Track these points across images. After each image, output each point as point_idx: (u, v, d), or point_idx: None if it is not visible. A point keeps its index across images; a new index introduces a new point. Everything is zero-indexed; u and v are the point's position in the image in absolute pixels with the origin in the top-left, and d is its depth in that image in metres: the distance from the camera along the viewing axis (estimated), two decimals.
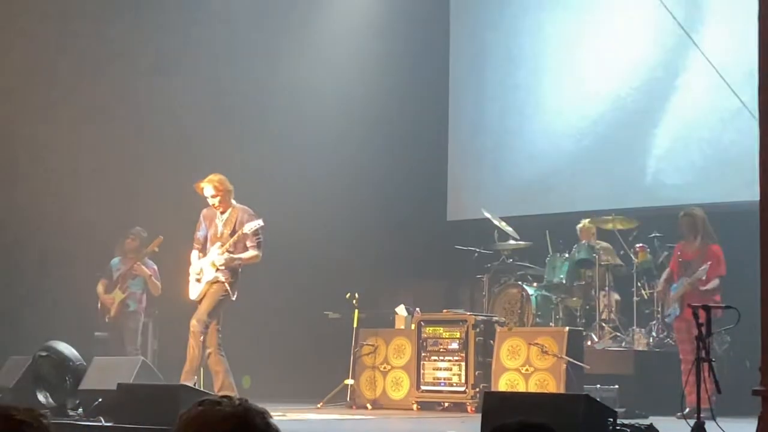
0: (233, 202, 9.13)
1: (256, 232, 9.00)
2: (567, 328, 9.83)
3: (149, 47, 12.22)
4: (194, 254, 9.18)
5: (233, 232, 9.02)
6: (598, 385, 9.76)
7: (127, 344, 11.01)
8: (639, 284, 10.72)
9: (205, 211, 9.25)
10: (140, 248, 11.26)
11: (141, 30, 12.27)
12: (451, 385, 10.06)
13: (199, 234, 9.21)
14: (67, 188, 11.64)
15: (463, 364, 9.98)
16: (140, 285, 11.28)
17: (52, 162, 11.60)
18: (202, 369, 9.06)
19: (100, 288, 11.29)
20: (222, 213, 9.10)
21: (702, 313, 6.61)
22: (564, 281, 10.97)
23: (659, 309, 10.42)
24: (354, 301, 10.83)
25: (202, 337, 8.83)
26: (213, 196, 9.00)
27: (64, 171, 11.69)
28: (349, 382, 10.51)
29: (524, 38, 13.04)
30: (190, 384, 8.34)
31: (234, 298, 9.04)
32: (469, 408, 9.87)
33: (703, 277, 9.42)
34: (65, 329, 10.10)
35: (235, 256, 8.99)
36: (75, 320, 11.30)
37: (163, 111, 12.26)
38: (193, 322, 8.91)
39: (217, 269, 8.96)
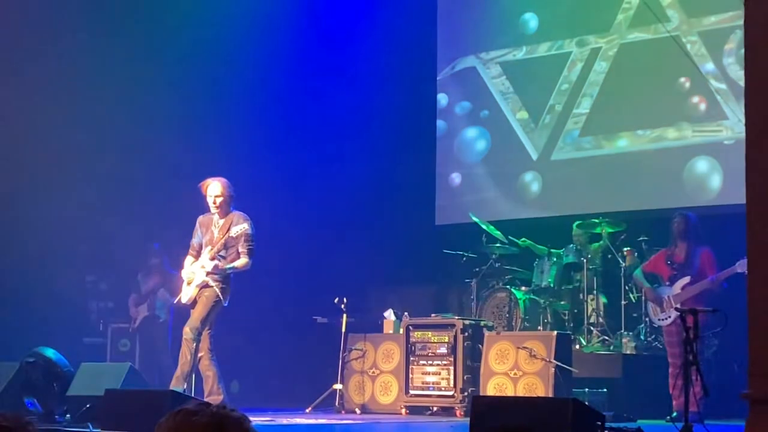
0: (231, 208, 9.11)
1: (248, 239, 8.95)
2: (555, 332, 9.83)
3: (150, 51, 12.23)
4: (188, 260, 9.15)
5: None
6: (587, 389, 9.76)
7: (160, 353, 11.19)
8: (627, 288, 10.72)
9: (200, 217, 9.21)
10: (161, 266, 11.48)
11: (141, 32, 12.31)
12: (439, 389, 10.06)
13: (194, 241, 9.17)
14: (56, 194, 11.61)
15: (452, 368, 9.98)
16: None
17: (42, 167, 11.57)
18: (194, 375, 9.04)
19: (130, 302, 11.79)
20: (220, 218, 9.07)
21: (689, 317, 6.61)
22: (552, 285, 10.98)
23: (647, 312, 10.40)
24: (342, 306, 10.81)
25: (194, 344, 8.80)
26: (217, 196, 8.97)
27: (54, 177, 11.66)
28: (338, 386, 10.51)
29: (511, 41, 13.03)
30: (179, 390, 8.31)
31: (226, 304, 9.01)
32: (457, 412, 9.88)
33: (712, 278, 9.27)
34: (53, 335, 10.08)
35: (228, 266, 8.94)
36: (63, 326, 11.28)
37: (158, 112, 12.25)
38: (186, 329, 8.88)
39: (208, 273, 8.94)
